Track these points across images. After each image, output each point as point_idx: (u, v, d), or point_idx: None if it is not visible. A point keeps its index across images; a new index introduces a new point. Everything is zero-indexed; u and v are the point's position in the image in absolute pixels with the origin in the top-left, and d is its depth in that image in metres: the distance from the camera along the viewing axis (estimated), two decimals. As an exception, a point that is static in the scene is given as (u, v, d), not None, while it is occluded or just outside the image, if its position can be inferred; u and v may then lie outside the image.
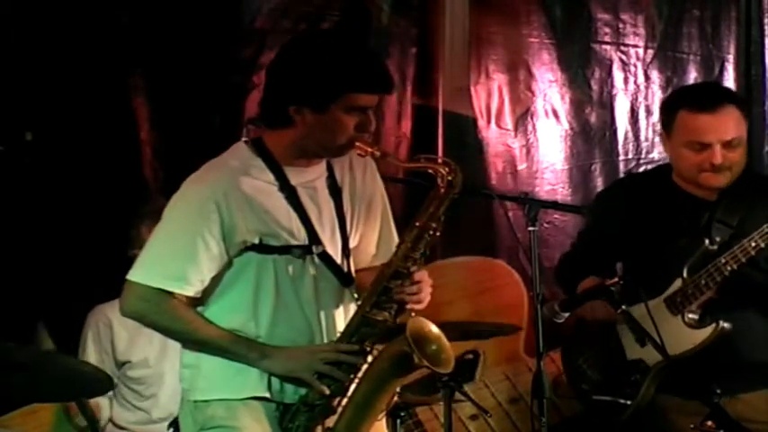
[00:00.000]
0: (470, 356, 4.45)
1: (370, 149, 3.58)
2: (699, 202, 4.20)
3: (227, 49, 5.54)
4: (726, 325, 4.07)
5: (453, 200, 3.59)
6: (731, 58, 6.29)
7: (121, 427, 4.97)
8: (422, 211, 3.60)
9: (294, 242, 3.59)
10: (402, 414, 4.22)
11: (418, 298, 3.61)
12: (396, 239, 3.71)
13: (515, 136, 6.09)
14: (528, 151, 6.11)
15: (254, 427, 3.57)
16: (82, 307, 4.99)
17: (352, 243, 3.71)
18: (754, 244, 4.01)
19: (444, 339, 3.59)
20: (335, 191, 3.67)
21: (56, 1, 5.29)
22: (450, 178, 3.56)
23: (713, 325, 4.08)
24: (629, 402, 4.18)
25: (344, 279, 3.67)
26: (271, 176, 3.59)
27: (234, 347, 3.57)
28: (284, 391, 3.60)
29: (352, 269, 3.71)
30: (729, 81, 6.26)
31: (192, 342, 3.62)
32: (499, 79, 6.07)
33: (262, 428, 3.57)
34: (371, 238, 3.78)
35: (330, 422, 3.59)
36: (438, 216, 3.58)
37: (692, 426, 3.97)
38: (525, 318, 5.12)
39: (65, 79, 5.29)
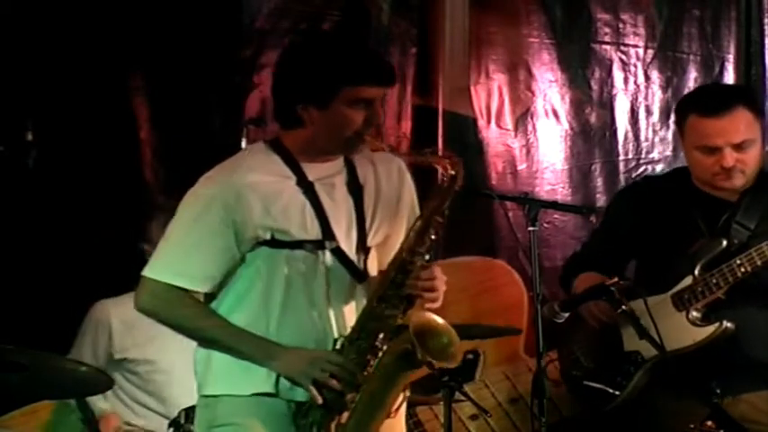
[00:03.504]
0: (470, 356, 4.46)
1: (377, 144, 3.61)
2: (718, 202, 4.18)
3: (227, 49, 5.53)
4: (729, 325, 4.06)
5: (456, 193, 3.58)
6: (731, 58, 6.30)
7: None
8: (426, 205, 3.61)
9: (306, 237, 3.58)
10: (402, 414, 4.21)
11: (431, 293, 3.59)
12: None
13: (515, 136, 6.09)
14: (528, 151, 6.11)
15: (260, 424, 3.55)
16: (84, 305, 4.98)
17: (374, 241, 3.69)
18: None
19: (453, 333, 3.57)
20: (356, 188, 3.66)
21: (56, 1, 5.29)
22: (453, 172, 3.57)
23: (716, 324, 4.07)
24: (617, 393, 4.18)
25: (358, 275, 3.65)
26: (288, 171, 3.59)
27: (240, 347, 3.56)
28: (294, 388, 3.58)
29: (370, 266, 3.69)
30: (729, 81, 6.27)
31: (201, 340, 3.63)
32: (499, 79, 6.07)
33: (269, 425, 3.56)
34: (401, 238, 3.75)
35: (344, 418, 3.56)
36: (442, 210, 3.58)
37: (691, 426, 3.97)
38: (525, 318, 5.12)
39: (65, 79, 5.28)
